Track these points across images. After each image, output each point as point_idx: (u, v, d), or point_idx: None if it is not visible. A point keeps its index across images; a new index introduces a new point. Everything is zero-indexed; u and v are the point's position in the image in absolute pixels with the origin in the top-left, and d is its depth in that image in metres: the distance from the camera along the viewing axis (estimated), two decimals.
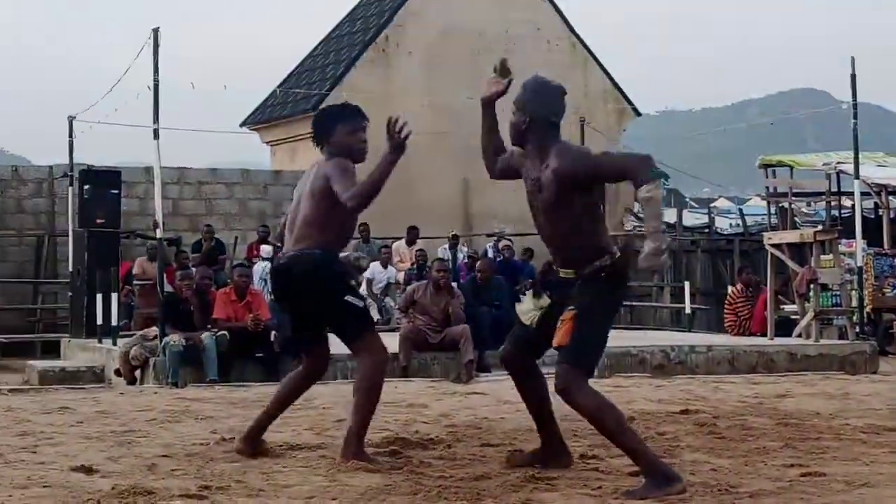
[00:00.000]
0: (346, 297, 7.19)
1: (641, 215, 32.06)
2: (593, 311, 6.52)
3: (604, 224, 6.84)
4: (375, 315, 21.90)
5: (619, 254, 6.64)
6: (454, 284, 16.66)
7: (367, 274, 22.33)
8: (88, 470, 6.70)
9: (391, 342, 14.66)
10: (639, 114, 31.99)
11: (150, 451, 7.49)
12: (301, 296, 7.23)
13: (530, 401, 7.12)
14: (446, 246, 23.77)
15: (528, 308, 6.92)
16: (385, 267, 22.39)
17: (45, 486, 6.20)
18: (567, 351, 6.47)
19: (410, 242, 23.14)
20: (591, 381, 6.54)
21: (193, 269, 16.71)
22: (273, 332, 14.69)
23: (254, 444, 7.44)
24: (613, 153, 6.72)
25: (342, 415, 9.55)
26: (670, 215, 32.31)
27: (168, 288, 16.94)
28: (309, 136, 7.53)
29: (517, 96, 6.85)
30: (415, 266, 21.99)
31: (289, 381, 7.68)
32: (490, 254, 23.46)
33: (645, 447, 6.50)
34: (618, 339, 18.80)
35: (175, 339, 14.44)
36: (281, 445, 7.75)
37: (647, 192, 6.33)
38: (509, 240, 23.65)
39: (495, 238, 24.81)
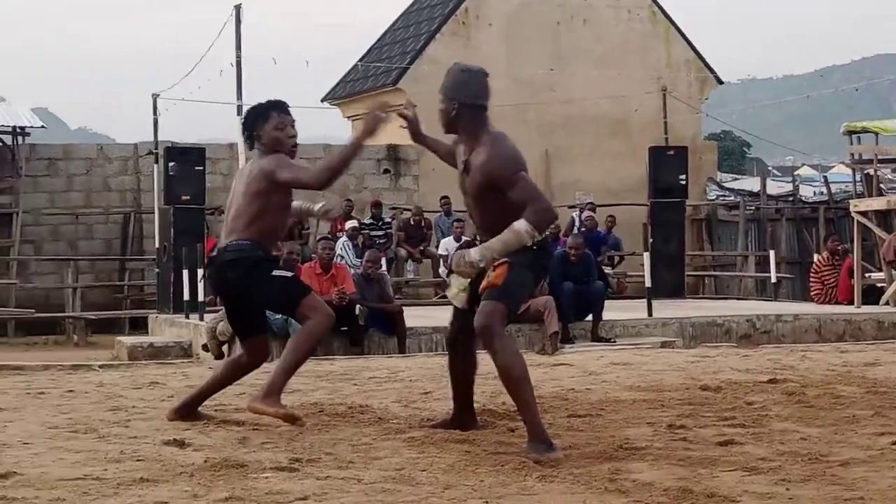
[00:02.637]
0: (273, 272, 7.55)
1: (725, 186, 31.83)
2: (523, 264, 6.70)
3: None
4: None
5: None
6: None
7: (440, 250, 22.36)
8: (181, 444, 6.77)
9: None
10: (721, 82, 31.70)
11: (241, 425, 7.56)
12: (234, 282, 7.54)
13: (458, 378, 7.36)
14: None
15: (454, 292, 7.06)
16: (458, 241, 22.40)
17: (138, 460, 6.27)
18: (497, 290, 6.67)
19: None
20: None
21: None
22: (357, 306, 14.76)
23: (185, 414, 7.80)
24: (531, 185, 6.70)
25: (428, 387, 9.60)
26: (753, 184, 32.06)
27: None
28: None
29: (442, 84, 7.00)
30: None
31: (228, 365, 8.12)
32: (576, 224, 23.39)
33: (536, 408, 6.65)
34: (703, 308, 18.75)
35: None
36: (369, 417, 7.81)
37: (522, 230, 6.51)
38: (592, 210, 23.60)
39: (578, 209, 24.75)
